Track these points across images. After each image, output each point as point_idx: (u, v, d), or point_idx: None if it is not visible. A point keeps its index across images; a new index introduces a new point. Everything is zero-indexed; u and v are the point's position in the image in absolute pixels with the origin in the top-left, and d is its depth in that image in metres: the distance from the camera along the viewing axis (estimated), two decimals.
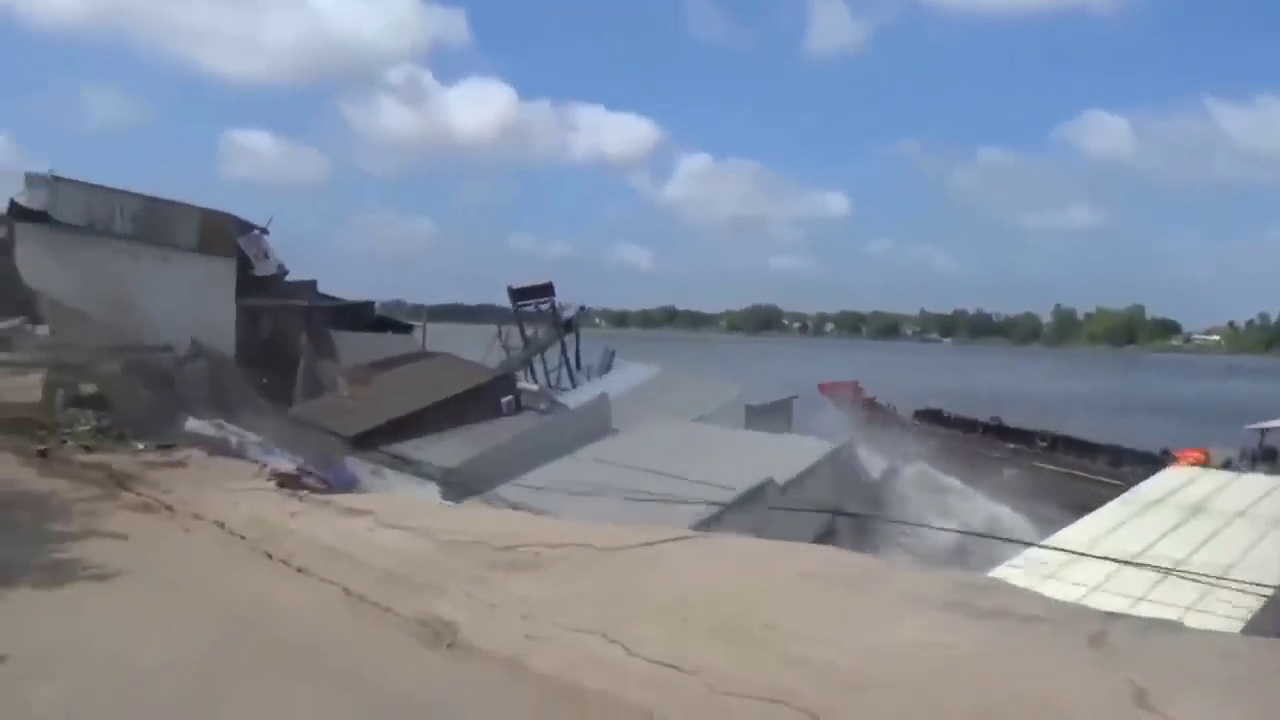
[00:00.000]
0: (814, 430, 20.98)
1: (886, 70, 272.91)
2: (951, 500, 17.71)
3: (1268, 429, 18.97)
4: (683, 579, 5.87)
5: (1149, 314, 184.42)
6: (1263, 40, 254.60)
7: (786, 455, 13.73)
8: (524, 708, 3.92)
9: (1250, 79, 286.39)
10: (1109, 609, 6.34)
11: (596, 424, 15.88)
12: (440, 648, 4.58)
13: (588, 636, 4.51)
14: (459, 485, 11.77)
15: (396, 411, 16.19)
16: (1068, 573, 7.82)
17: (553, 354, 25.96)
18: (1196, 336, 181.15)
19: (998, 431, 23.17)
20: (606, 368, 25.33)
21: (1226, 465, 17.56)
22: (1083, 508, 11.82)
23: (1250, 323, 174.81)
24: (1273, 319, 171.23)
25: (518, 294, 24.93)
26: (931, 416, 25.32)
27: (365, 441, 15.31)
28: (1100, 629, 5.17)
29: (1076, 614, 5.72)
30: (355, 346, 20.66)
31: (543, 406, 17.73)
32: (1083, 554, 8.46)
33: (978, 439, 22.10)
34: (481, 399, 16.94)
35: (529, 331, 25.74)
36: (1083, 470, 19.52)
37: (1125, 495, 10.74)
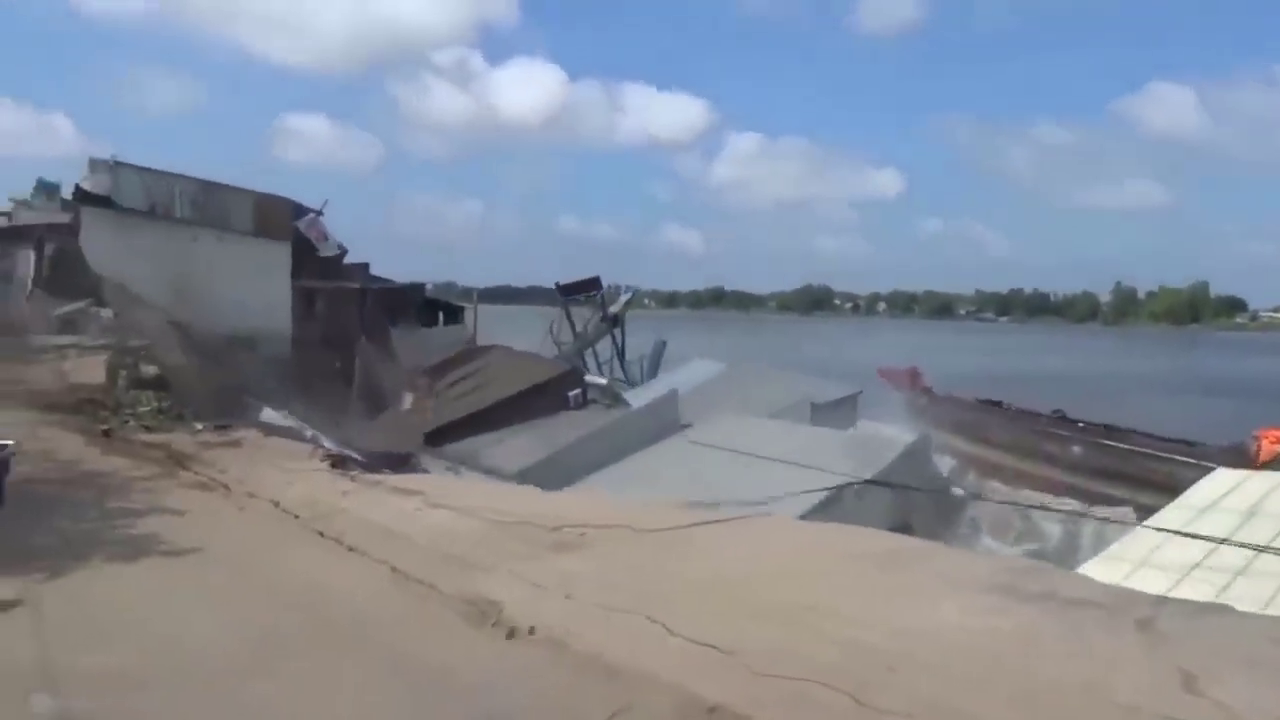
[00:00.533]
0: (879, 421, 20.81)
1: (940, 44, 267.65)
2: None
3: None
4: (725, 560, 5.90)
5: (1213, 292, 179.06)
6: None
7: (865, 453, 13.53)
8: (566, 686, 3.97)
9: None
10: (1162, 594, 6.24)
11: (667, 420, 15.83)
12: (485, 626, 4.66)
13: (630, 617, 4.56)
14: (535, 484, 11.85)
15: (467, 409, 16.32)
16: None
17: (604, 346, 25.99)
18: (1264, 314, 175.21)
19: (1062, 423, 22.47)
20: (658, 357, 25.27)
21: None
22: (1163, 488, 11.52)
23: None
24: None
25: (566, 289, 25.05)
26: (990, 407, 24.65)
27: (438, 439, 15.48)
28: (1149, 613, 5.08)
29: (1125, 598, 5.63)
30: (413, 344, 20.86)
31: (608, 401, 17.73)
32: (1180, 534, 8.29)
33: (1042, 432, 21.41)
34: (549, 393, 16.99)
35: (578, 327, 25.79)
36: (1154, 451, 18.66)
37: (1178, 500, 10.44)
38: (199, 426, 10.70)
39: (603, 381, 19.76)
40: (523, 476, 12.24)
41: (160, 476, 8.45)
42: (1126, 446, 19.19)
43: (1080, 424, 21.71)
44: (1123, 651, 4.15)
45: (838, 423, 18.10)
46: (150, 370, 12.95)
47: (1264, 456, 16.17)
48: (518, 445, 14.87)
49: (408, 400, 17.61)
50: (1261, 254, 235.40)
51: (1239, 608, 5.24)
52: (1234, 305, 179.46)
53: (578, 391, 17.26)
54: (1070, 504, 17.69)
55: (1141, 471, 17.37)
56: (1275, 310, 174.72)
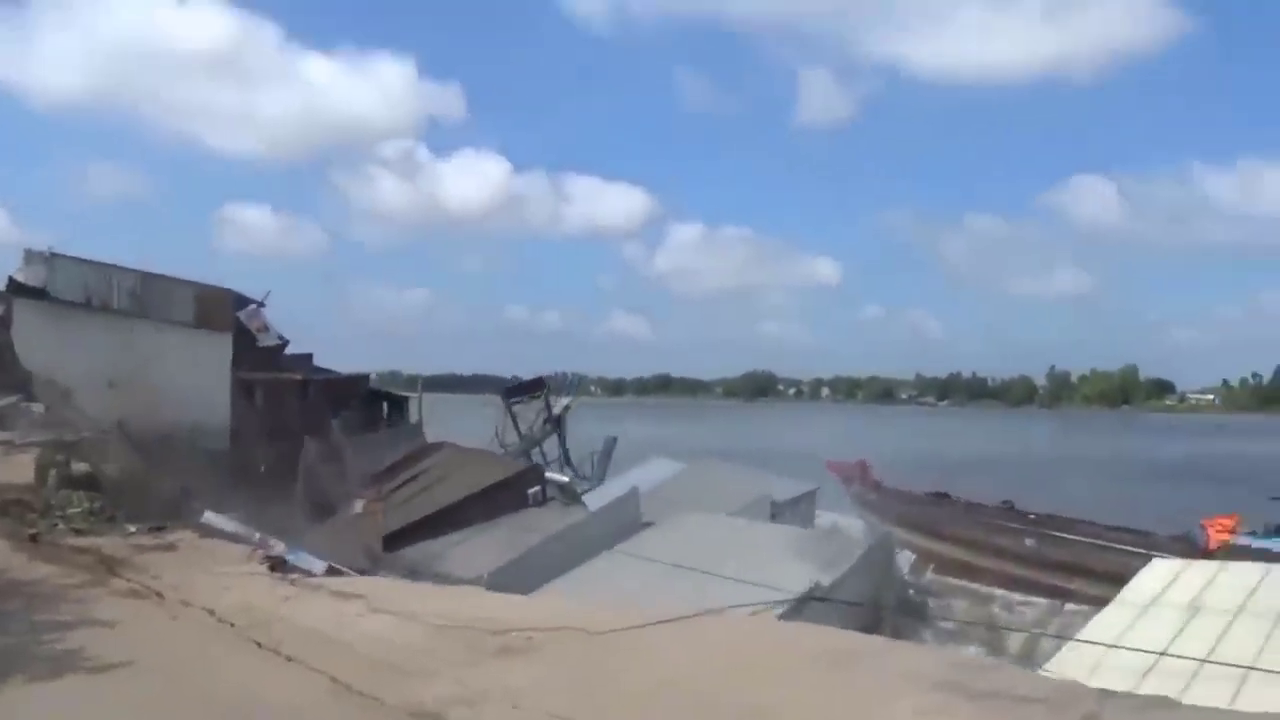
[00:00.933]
0: (837, 513, 20.84)
1: (873, 139, 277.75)
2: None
3: None
4: (674, 661, 5.83)
5: (1143, 375, 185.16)
6: (1244, 105, 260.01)
7: (827, 551, 13.53)
8: None
9: (1233, 144, 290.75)
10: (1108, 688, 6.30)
11: (628, 519, 15.71)
12: None
13: None
14: (500, 589, 11.53)
15: (424, 510, 15.97)
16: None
17: (551, 445, 25.82)
18: (1191, 396, 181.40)
19: (1012, 514, 22.66)
20: (609, 454, 25.12)
21: (1253, 534, 17.15)
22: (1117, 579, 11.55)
23: (1244, 381, 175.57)
24: (1265, 378, 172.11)
25: (510, 391, 24.94)
26: (939, 500, 24.84)
27: (396, 542, 15.09)
28: (1093, 709, 5.15)
29: (1071, 693, 5.68)
30: (362, 446, 20.53)
31: (567, 499, 17.53)
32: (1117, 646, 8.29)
33: (993, 525, 21.51)
34: (509, 491, 16.78)
35: (524, 428, 25.63)
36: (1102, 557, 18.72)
37: (1120, 596, 10.50)
38: (132, 529, 10.35)
39: (564, 479, 19.55)
40: (487, 582, 11.94)
41: (90, 584, 8.12)
42: (1077, 538, 19.34)
43: (1031, 516, 21.92)
44: None
45: (797, 520, 18.11)
46: (81, 468, 12.54)
47: (1212, 545, 16.41)
48: (480, 547, 14.55)
49: (357, 506, 17.20)
50: (1186, 338, 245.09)
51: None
52: (1163, 387, 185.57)
53: (537, 489, 17.05)
54: (1029, 598, 17.86)
55: (1094, 564, 17.45)
56: (1201, 392, 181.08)
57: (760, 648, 6.16)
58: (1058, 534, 19.74)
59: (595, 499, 18.80)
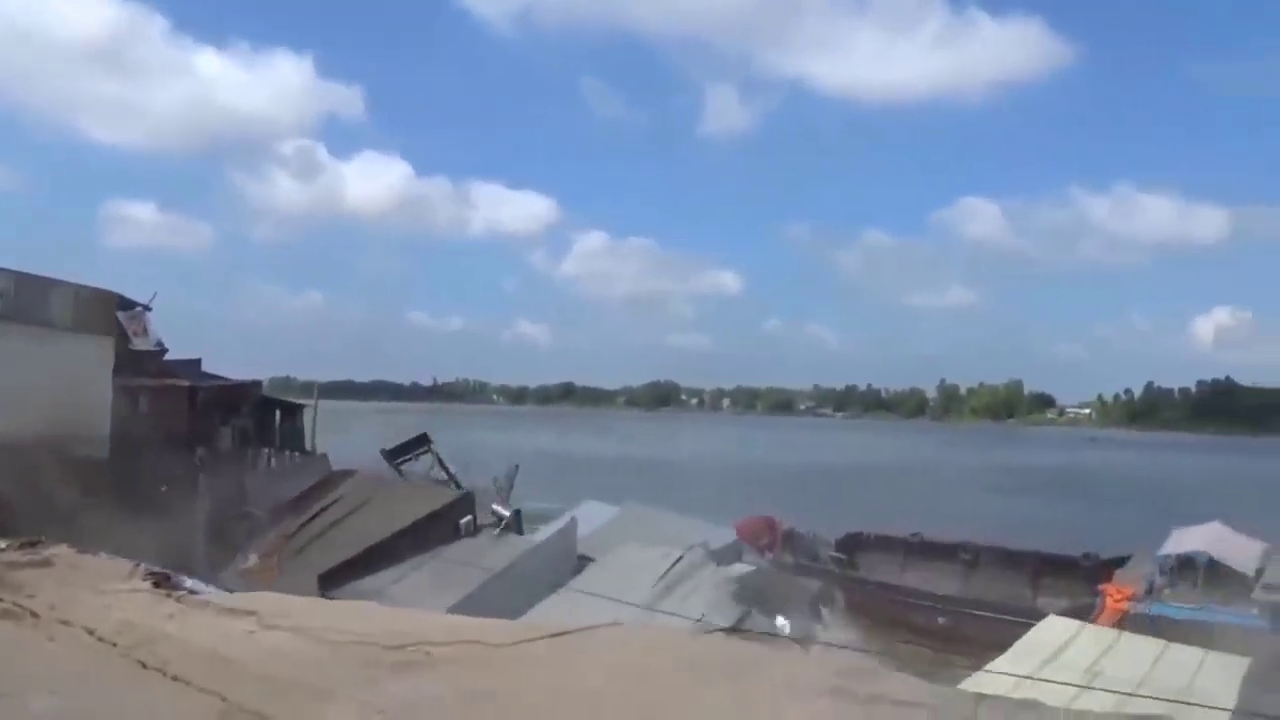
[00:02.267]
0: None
1: (774, 154, 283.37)
2: None
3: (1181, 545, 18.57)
4: (571, 673, 5.90)
5: (1026, 389, 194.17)
6: (1121, 133, 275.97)
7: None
8: None
9: (1109, 169, 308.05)
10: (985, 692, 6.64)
11: (564, 553, 15.53)
12: None
13: None
14: None
15: (355, 547, 15.40)
16: None
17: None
18: (1070, 410, 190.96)
19: (920, 550, 23.00)
20: (510, 483, 24.74)
21: (1149, 590, 17.01)
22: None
23: (1116, 397, 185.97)
24: (1136, 394, 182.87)
25: (393, 454, 23.69)
26: (853, 542, 25.05)
27: (329, 583, 14.46)
28: (971, 711, 5.45)
29: (950, 698, 6.00)
30: (265, 480, 19.82)
31: (498, 529, 17.15)
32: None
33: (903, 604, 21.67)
34: (440, 520, 16.38)
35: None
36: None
37: (1015, 648, 10.58)
38: (2, 544, 9.84)
39: (502, 510, 18.99)
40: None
41: None
42: (979, 613, 19.26)
43: (937, 546, 22.33)
44: None
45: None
46: None
47: (1106, 616, 15.55)
48: (422, 584, 14.10)
49: (251, 559, 16.48)
50: (1067, 353, 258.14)
51: None
52: (1044, 401, 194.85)
53: (469, 519, 16.70)
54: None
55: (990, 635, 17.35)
56: (1079, 406, 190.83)
57: (652, 657, 6.29)
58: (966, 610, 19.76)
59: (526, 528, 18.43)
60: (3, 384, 18.10)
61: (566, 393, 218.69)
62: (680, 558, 14.30)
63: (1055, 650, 10.12)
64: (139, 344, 22.05)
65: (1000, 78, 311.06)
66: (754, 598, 13.30)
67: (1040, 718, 5.72)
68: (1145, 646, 10.39)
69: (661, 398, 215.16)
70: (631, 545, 15.44)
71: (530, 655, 5.93)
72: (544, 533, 17.95)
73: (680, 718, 5.05)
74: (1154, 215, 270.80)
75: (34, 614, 7.42)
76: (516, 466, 24.37)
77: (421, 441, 23.17)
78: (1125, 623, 14.54)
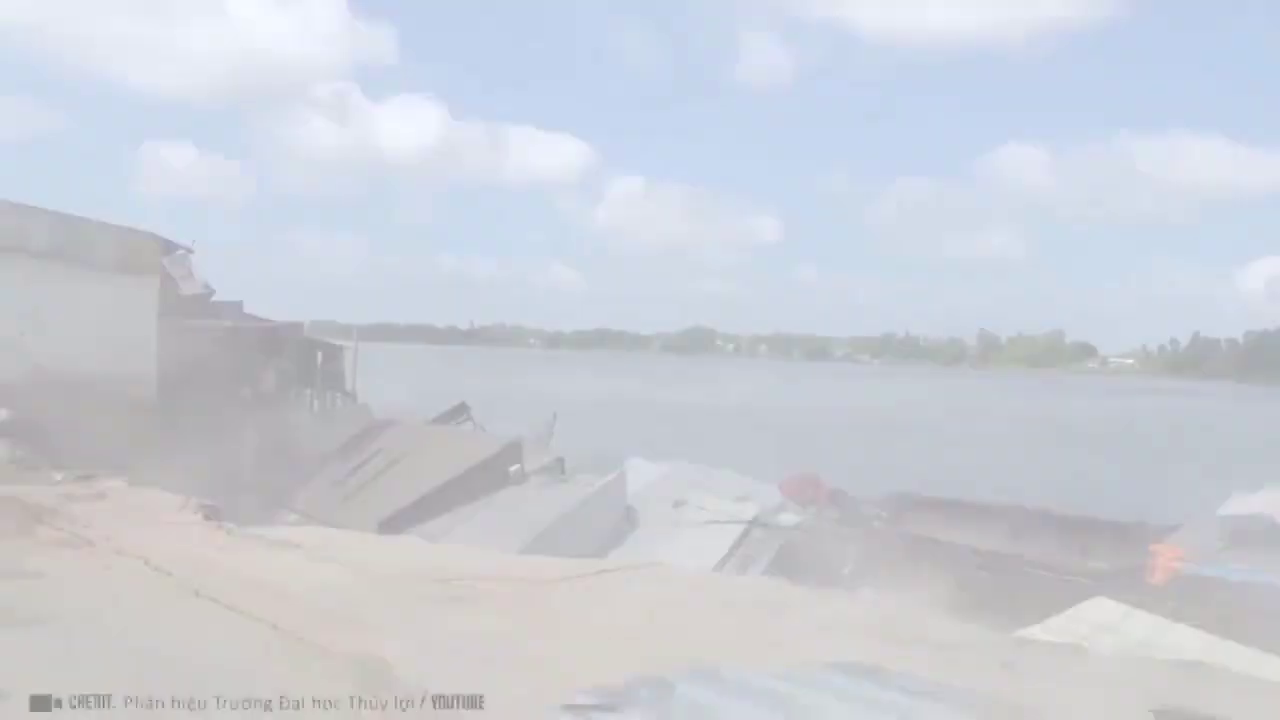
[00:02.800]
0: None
1: (813, 99, 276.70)
2: None
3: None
4: (615, 609, 5.96)
5: (1068, 338, 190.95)
6: (1171, 79, 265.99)
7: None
8: None
9: (1159, 116, 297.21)
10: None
11: (614, 505, 15.72)
12: (375, 689, 4.57)
13: (522, 672, 4.57)
14: None
15: (411, 494, 15.75)
16: None
17: None
18: (1112, 359, 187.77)
19: (967, 511, 22.65)
20: (550, 432, 24.88)
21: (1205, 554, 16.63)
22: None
23: (1161, 347, 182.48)
24: (1182, 345, 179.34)
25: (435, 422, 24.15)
26: (898, 502, 24.71)
27: (389, 527, 14.82)
28: (1012, 654, 5.44)
29: (990, 640, 5.99)
30: (306, 428, 20.21)
31: (548, 476, 17.32)
32: None
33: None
34: (489, 468, 16.61)
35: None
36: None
37: (1057, 620, 10.26)
38: (58, 477, 10.09)
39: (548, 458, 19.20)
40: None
41: (14, 534, 7.90)
42: (1026, 570, 18.99)
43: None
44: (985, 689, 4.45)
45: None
46: (1, 415, 12.15)
47: (1159, 577, 15.57)
48: (480, 528, 14.36)
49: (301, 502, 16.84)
50: (1111, 303, 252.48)
51: None
52: (1086, 351, 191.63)
53: (518, 466, 16.87)
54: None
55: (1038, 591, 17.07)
56: (1122, 356, 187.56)
57: (692, 597, 6.33)
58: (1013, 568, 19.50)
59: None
60: (52, 324, 18.47)
61: (602, 337, 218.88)
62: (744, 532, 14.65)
63: (1099, 627, 9.77)
64: (187, 288, 22.31)
65: (1047, 21, 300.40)
66: (799, 547, 13.38)
67: (1081, 659, 5.70)
68: (1195, 637, 9.81)
69: (698, 343, 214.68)
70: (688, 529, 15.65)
71: (575, 591, 5.99)
72: (590, 483, 18.06)
73: (720, 650, 5.08)
74: (1203, 162, 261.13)
75: (90, 544, 7.62)
76: (555, 415, 24.58)
77: (460, 411, 23.61)
78: (1178, 581, 14.21)
